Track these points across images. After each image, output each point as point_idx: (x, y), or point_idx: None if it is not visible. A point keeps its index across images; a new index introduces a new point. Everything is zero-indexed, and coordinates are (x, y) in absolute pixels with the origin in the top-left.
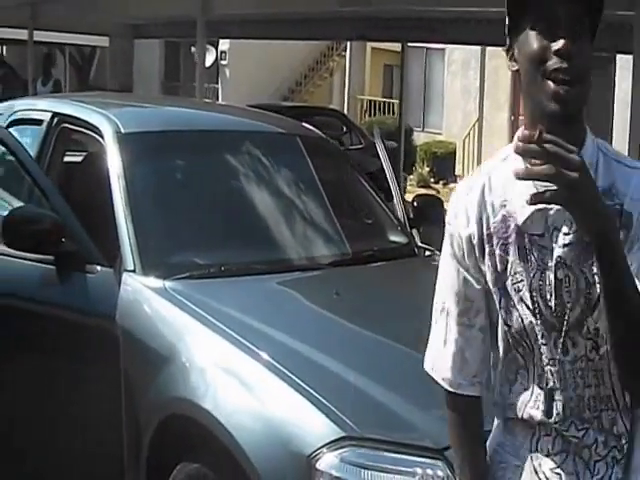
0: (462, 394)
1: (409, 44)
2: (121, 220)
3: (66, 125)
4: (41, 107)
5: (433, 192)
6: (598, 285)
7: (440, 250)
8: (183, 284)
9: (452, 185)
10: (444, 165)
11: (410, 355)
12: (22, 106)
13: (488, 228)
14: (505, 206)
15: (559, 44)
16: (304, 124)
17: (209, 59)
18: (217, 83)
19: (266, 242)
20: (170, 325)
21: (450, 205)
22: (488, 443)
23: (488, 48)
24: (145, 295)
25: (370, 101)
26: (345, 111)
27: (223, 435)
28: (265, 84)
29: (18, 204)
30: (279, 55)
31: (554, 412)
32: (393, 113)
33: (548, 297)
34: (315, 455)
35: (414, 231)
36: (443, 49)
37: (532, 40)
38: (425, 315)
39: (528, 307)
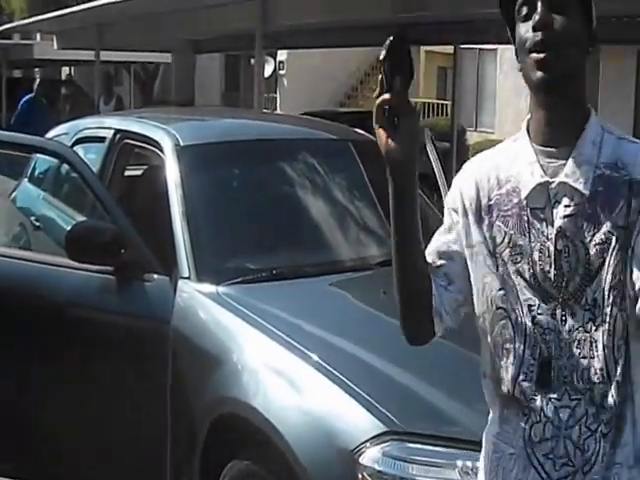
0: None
1: (462, 46)
2: (177, 229)
3: (128, 141)
4: (104, 125)
5: None
6: (597, 255)
7: None
8: (236, 289)
9: None
10: None
11: (452, 350)
12: (86, 125)
13: (490, 199)
14: (510, 181)
15: (535, 19)
16: (356, 129)
17: (268, 70)
18: (276, 92)
19: (317, 245)
20: (223, 328)
21: (459, 172)
22: (484, 436)
23: None
24: (199, 301)
25: (424, 103)
26: None
27: (271, 432)
28: (322, 91)
29: (82, 218)
30: (335, 63)
31: (548, 379)
32: (447, 114)
33: (547, 268)
34: (359, 450)
35: None
36: (495, 49)
37: (519, 29)
38: None
39: (525, 278)
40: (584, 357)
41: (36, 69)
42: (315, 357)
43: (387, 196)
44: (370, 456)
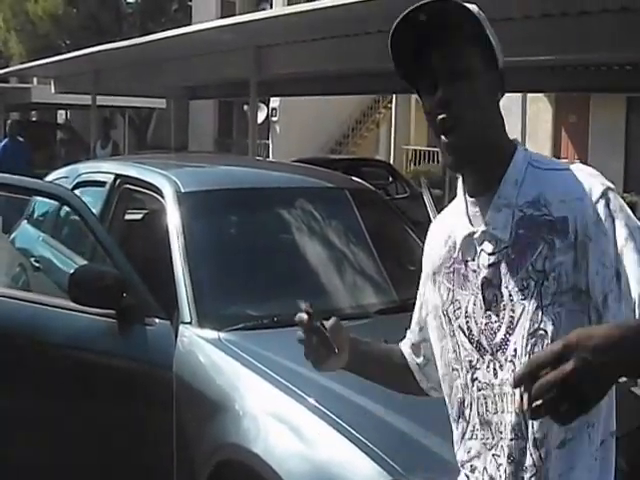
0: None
1: None
2: (179, 275)
3: (128, 186)
4: (104, 169)
5: None
6: (519, 302)
7: None
8: (237, 335)
9: None
10: None
11: None
12: (86, 169)
13: (440, 258)
14: (450, 237)
15: (437, 97)
16: (353, 178)
17: (260, 116)
18: (268, 139)
19: (316, 293)
20: (224, 374)
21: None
22: None
23: (529, 94)
24: (201, 346)
25: (415, 150)
26: (391, 161)
27: (273, 479)
28: (314, 138)
29: (83, 262)
30: (327, 109)
31: (487, 437)
32: (438, 162)
33: (480, 320)
34: None
35: None
36: None
37: (424, 102)
38: None
39: (464, 333)
40: (509, 412)
41: (32, 112)
42: (317, 404)
43: (384, 244)
44: None
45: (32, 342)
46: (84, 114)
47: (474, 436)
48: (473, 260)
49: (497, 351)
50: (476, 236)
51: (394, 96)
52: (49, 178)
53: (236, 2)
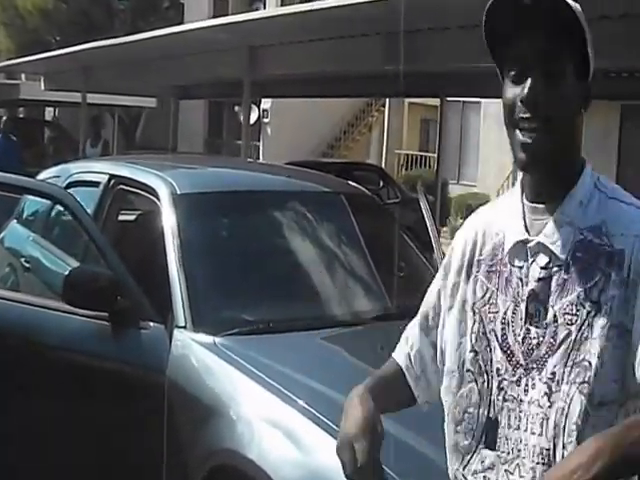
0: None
1: (447, 99)
2: (174, 278)
3: (122, 187)
4: (98, 169)
5: None
6: (565, 326)
7: None
8: (232, 340)
9: None
10: None
11: None
12: (78, 169)
13: (480, 254)
14: (498, 235)
15: (524, 91)
16: (350, 182)
17: (252, 117)
18: (258, 140)
19: (312, 298)
20: (219, 379)
21: (461, 228)
22: None
23: None
24: (195, 350)
25: (407, 155)
26: (383, 165)
27: None
28: (305, 140)
29: (75, 262)
30: (319, 112)
31: (501, 446)
32: (429, 167)
33: (518, 331)
34: None
35: None
36: (479, 103)
37: (506, 89)
38: None
39: (497, 339)
40: (533, 433)
41: (20, 109)
42: (312, 410)
43: (379, 250)
44: None
45: (22, 343)
46: (72, 112)
47: (489, 446)
48: (521, 268)
49: (533, 369)
50: (530, 245)
51: (387, 99)
52: (40, 177)
53: (229, 0)
